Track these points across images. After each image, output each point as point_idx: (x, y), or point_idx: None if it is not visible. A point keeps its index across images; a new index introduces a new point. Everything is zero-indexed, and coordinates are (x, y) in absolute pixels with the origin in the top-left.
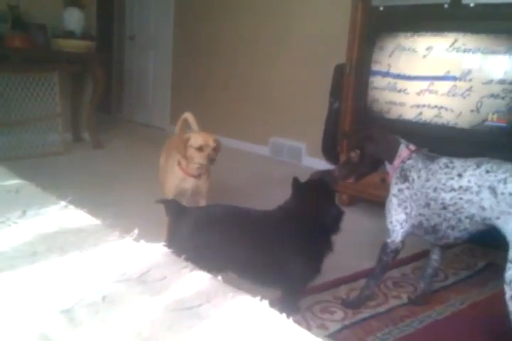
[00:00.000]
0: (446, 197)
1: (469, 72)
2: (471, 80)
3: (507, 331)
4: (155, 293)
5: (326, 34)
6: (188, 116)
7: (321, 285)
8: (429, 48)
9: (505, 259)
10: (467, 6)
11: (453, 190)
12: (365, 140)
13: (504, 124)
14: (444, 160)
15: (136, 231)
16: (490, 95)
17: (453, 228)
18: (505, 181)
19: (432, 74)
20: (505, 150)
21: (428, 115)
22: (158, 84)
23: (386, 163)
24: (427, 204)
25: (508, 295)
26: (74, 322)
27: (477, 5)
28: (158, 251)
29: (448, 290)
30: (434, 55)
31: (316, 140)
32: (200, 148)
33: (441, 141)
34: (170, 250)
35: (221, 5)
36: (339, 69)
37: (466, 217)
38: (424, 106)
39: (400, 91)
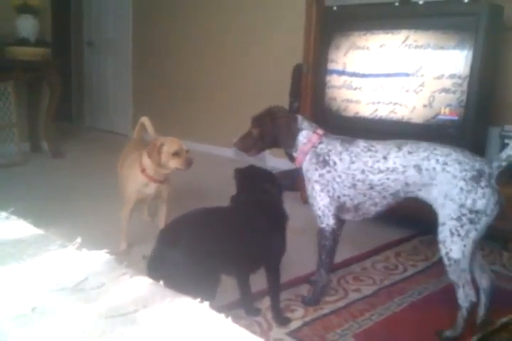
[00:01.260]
0: (374, 178)
1: (421, 68)
2: (422, 76)
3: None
4: (90, 300)
5: (285, 34)
6: (144, 120)
7: (282, 284)
8: (382, 46)
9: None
10: (416, 3)
11: (380, 171)
12: (266, 119)
13: (456, 117)
14: (362, 143)
15: (79, 239)
16: (441, 90)
17: (376, 205)
18: (428, 158)
19: (386, 71)
20: (457, 143)
21: (383, 111)
22: (119, 89)
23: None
24: (353, 185)
25: (443, 252)
26: (0, 334)
27: (426, 3)
28: (98, 258)
29: (407, 281)
30: (386, 53)
31: None
32: (176, 154)
33: (396, 137)
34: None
35: (179, 8)
36: (297, 69)
37: (391, 194)
38: (379, 102)
39: (355, 89)
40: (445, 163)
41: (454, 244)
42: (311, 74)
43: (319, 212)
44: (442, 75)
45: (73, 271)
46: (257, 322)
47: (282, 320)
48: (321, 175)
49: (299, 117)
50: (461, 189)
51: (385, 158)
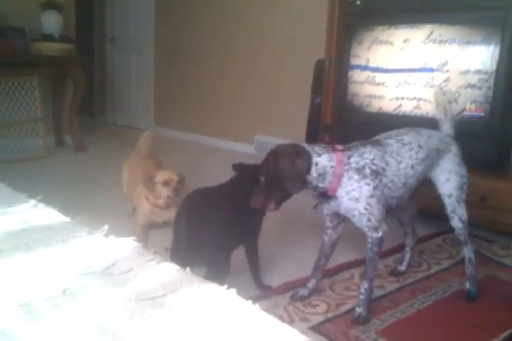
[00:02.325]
0: (419, 168)
1: (446, 63)
2: (448, 71)
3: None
4: (118, 284)
5: (307, 30)
6: (148, 135)
7: (303, 279)
8: (406, 41)
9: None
10: None
11: (423, 160)
12: (268, 163)
13: (482, 114)
14: (387, 140)
15: (106, 227)
16: (467, 85)
17: (410, 190)
18: (440, 142)
19: (410, 66)
20: (483, 139)
21: (407, 107)
22: (141, 85)
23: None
24: (404, 184)
25: (456, 219)
26: (32, 315)
27: None
28: (126, 244)
29: (430, 279)
30: (411, 48)
31: (300, 136)
32: (165, 183)
33: None
34: None
35: (201, 5)
36: (319, 65)
37: (417, 179)
38: (403, 98)
39: (378, 84)
40: (448, 144)
41: (462, 208)
42: (334, 69)
43: (376, 223)
44: (468, 71)
45: (101, 257)
46: (279, 316)
47: (263, 287)
48: (375, 188)
49: (305, 146)
50: (459, 163)
51: (420, 146)
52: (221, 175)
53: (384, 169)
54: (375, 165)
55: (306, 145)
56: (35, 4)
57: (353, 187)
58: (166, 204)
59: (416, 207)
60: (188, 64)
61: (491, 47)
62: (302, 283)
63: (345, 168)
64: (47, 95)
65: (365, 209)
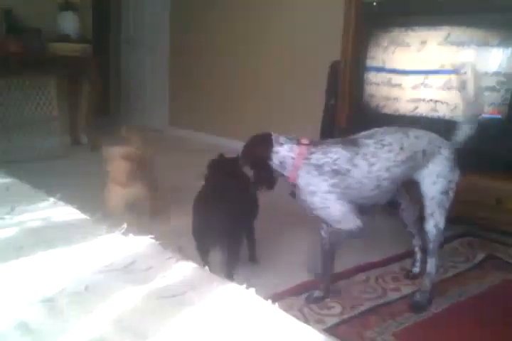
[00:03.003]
0: (398, 170)
1: (463, 65)
2: (465, 73)
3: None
4: (139, 282)
5: (320, 31)
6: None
7: (317, 281)
8: (423, 42)
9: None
10: None
11: (403, 162)
12: (246, 156)
13: (499, 116)
14: (366, 140)
15: (125, 225)
16: (485, 88)
17: (387, 192)
18: (429, 143)
19: (427, 68)
20: (500, 142)
21: (424, 109)
22: (156, 85)
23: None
24: (378, 186)
25: (431, 224)
26: (54, 310)
27: None
28: (145, 243)
29: (447, 283)
30: (428, 49)
31: (313, 137)
32: (125, 157)
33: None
34: None
35: (216, 6)
36: (334, 66)
37: (399, 180)
38: (419, 100)
39: (395, 86)
40: (440, 147)
41: (441, 215)
42: (349, 71)
43: (339, 218)
44: (486, 73)
45: (121, 254)
46: (294, 316)
47: (254, 260)
48: (333, 185)
49: (274, 135)
50: (450, 167)
51: (401, 148)
52: None
53: (348, 170)
54: (336, 165)
55: (274, 135)
56: (52, 5)
57: (312, 181)
58: (127, 180)
59: (417, 208)
60: (202, 64)
61: (510, 50)
62: (316, 284)
63: (304, 161)
64: (63, 95)
65: (322, 203)
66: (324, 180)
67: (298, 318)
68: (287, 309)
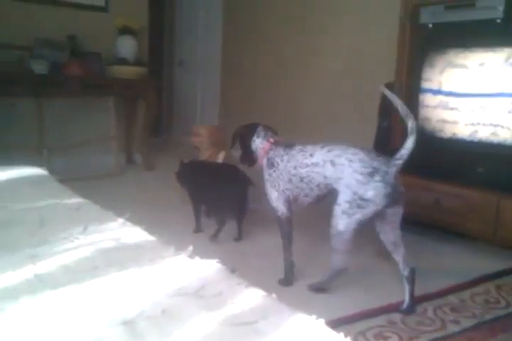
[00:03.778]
0: (303, 171)
1: None
2: None
3: None
4: (212, 307)
5: (372, 53)
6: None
7: (374, 310)
8: (481, 64)
9: None
10: None
11: (307, 166)
12: (234, 137)
13: None
14: (299, 146)
15: (190, 248)
16: None
17: (307, 195)
18: (339, 156)
19: (486, 91)
20: None
21: (483, 133)
22: (207, 107)
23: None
24: (290, 180)
25: (333, 223)
26: (135, 333)
27: None
28: (212, 267)
29: (511, 318)
30: (487, 71)
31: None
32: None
33: (498, 160)
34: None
35: (266, 28)
36: (388, 88)
37: (316, 186)
38: (479, 124)
39: (452, 109)
40: (351, 160)
41: (342, 219)
42: (404, 93)
43: (274, 204)
44: None
45: (190, 278)
46: None
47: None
48: (269, 175)
49: (259, 128)
50: (358, 181)
51: (311, 155)
52: None
53: (278, 164)
54: (273, 159)
55: (259, 128)
56: (111, 30)
57: (264, 169)
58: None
59: (393, 231)
60: (252, 87)
61: None
62: (373, 313)
63: (265, 155)
64: (120, 115)
65: (266, 188)
66: (268, 170)
67: None
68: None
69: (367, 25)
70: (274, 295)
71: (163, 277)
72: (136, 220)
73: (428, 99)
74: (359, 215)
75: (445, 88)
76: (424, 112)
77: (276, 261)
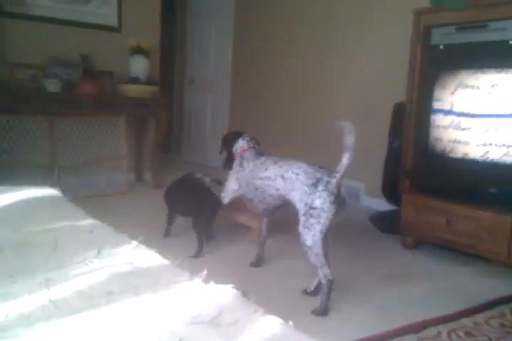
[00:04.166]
0: (258, 182)
1: None
2: None
3: None
4: (229, 337)
5: (382, 73)
6: None
7: (387, 333)
8: (493, 85)
9: None
10: None
11: (261, 178)
12: (222, 143)
13: None
14: (262, 158)
15: (204, 272)
16: None
17: (261, 202)
18: (287, 170)
19: (499, 111)
20: None
21: (496, 154)
22: (216, 126)
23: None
24: (248, 185)
25: (301, 240)
26: None
27: None
28: (227, 293)
29: None
30: (499, 92)
31: (375, 180)
32: None
33: (511, 181)
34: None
35: (277, 50)
36: (398, 108)
37: (269, 195)
38: (491, 144)
39: (464, 129)
40: (297, 174)
41: (306, 235)
42: (415, 113)
43: (224, 191)
44: None
45: (206, 305)
46: None
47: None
48: (238, 171)
49: (245, 134)
50: (306, 192)
51: (266, 169)
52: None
53: (245, 167)
54: (244, 160)
55: (245, 134)
56: (124, 49)
57: (236, 163)
58: None
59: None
60: (262, 107)
61: None
62: (387, 336)
63: (241, 154)
64: (130, 133)
65: (227, 179)
66: (238, 167)
67: None
68: None
69: (379, 47)
70: (290, 323)
71: (179, 303)
72: (147, 242)
73: (439, 120)
74: (318, 226)
75: (457, 108)
76: (435, 132)
77: (287, 283)
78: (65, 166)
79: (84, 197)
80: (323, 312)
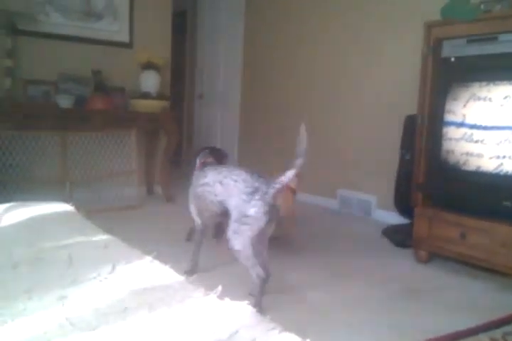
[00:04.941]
0: (199, 190)
1: None
2: None
3: None
4: None
5: (395, 86)
6: None
7: None
8: (506, 97)
9: None
10: None
11: (201, 185)
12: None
13: None
14: (206, 168)
15: (219, 288)
16: None
17: (206, 210)
18: (226, 176)
19: None
20: None
21: (509, 167)
22: (226, 140)
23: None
24: (198, 197)
25: (230, 245)
26: None
27: None
28: (243, 310)
29: None
30: None
31: (387, 192)
32: None
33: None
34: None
35: (286, 65)
36: (410, 121)
37: (210, 202)
38: (504, 157)
39: (477, 141)
40: (236, 181)
41: (236, 240)
42: (426, 125)
43: (192, 215)
44: None
45: (222, 322)
46: None
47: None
48: (189, 191)
49: (205, 152)
50: (243, 199)
51: (205, 176)
52: (308, 230)
53: (193, 181)
54: (202, 174)
55: (204, 150)
56: (135, 65)
57: (195, 178)
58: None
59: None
60: (272, 121)
61: None
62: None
63: (198, 169)
64: (140, 147)
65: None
66: (196, 178)
67: None
68: None
69: (388, 58)
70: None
71: (195, 320)
72: (161, 257)
73: (452, 132)
74: (249, 232)
75: (469, 121)
76: (447, 145)
77: (299, 297)
78: (77, 181)
79: (96, 211)
80: (257, 308)
